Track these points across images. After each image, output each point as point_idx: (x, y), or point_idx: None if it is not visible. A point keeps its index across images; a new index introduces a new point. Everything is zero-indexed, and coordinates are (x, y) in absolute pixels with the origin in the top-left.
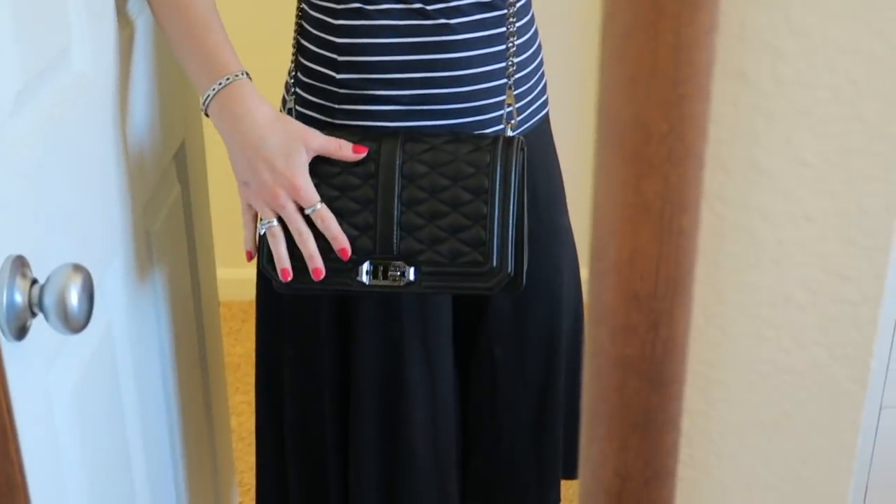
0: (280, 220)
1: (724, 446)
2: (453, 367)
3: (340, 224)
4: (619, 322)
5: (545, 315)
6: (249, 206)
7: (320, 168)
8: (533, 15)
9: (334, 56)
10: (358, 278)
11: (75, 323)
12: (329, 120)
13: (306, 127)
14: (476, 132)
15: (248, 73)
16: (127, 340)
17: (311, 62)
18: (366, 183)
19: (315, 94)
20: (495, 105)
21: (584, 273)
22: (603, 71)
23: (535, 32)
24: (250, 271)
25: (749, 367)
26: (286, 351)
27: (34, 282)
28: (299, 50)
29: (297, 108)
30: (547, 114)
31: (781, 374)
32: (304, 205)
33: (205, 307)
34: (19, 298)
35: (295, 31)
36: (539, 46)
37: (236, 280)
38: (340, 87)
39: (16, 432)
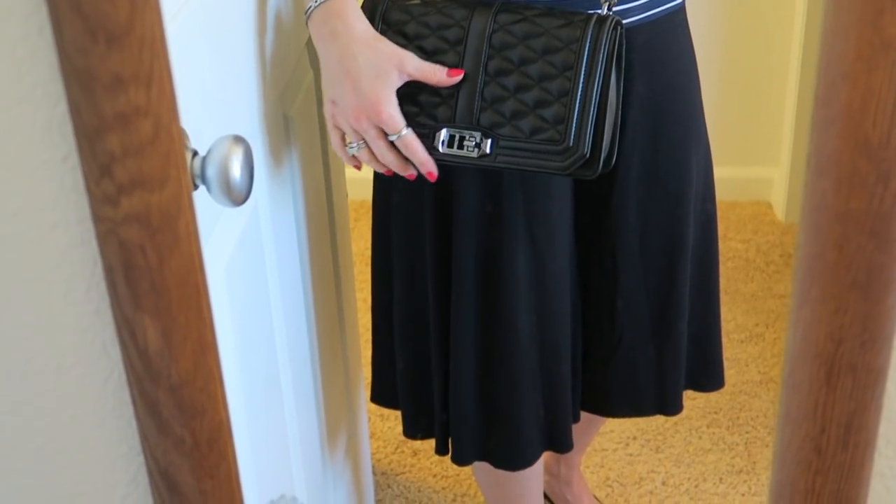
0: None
1: None
2: (572, 267)
3: (422, 90)
4: (844, 172)
5: (670, 211)
6: (336, 126)
7: (409, 28)
8: None
9: None
10: (434, 144)
11: (237, 195)
12: None
13: (403, 50)
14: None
15: None
16: (270, 223)
17: None
18: (453, 49)
19: None
20: None
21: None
22: None
23: None
24: (364, 170)
25: None
26: (394, 235)
27: (195, 153)
28: None
29: None
30: (682, 3)
31: None
32: (388, 131)
33: (335, 197)
34: None
35: None
36: None
37: (349, 179)
38: None
39: (208, 292)
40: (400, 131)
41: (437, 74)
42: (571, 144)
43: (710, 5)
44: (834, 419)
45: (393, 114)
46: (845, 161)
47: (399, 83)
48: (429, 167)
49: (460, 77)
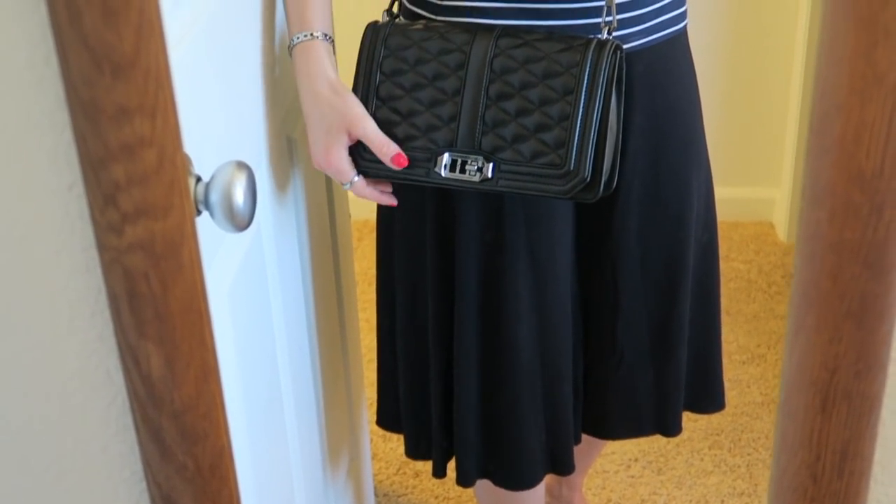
0: None
1: None
2: (573, 288)
3: (423, 114)
4: (839, 203)
5: (671, 234)
6: None
7: (410, 53)
8: None
9: None
10: (436, 169)
11: (241, 220)
12: (432, 16)
13: (359, 112)
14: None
15: (328, 35)
16: (273, 245)
17: None
18: (454, 73)
19: None
20: (603, 9)
21: (718, 192)
22: None
23: None
24: None
25: None
26: (396, 256)
27: (198, 179)
28: None
29: (406, 2)
30: (684, 28)
31: None
32: (338, 181)
33: (338, 217)
34: None
35: None
36: None
37: (352, 198)
38: None
39: (210, 320)
40: (350, 180)
41: (382, 150)
42: (572, 168)
43: (711, 26)
44: (829, 447)
45: (340, 167)
46: (839, 192)
47: (349, 142)
48: (386, 201)
49: (405, 165)
